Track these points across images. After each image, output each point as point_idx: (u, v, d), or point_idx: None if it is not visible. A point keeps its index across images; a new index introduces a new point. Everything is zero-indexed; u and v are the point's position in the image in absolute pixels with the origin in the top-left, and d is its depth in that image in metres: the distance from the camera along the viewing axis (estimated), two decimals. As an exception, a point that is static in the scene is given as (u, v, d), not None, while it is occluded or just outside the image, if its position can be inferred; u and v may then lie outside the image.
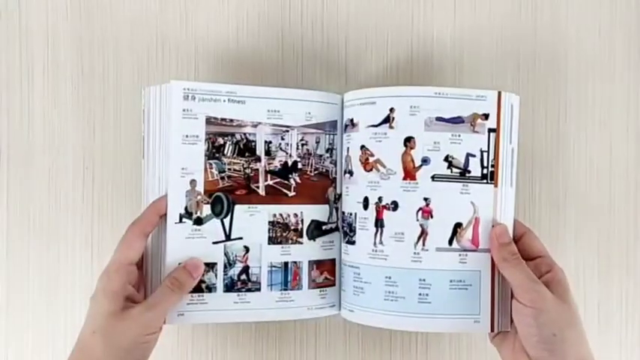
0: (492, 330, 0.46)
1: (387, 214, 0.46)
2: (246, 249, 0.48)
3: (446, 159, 0.46)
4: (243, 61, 0.56)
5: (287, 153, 0.49)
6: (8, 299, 0.55)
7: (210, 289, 0.47)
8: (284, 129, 0.49)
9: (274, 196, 0.49)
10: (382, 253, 0.46)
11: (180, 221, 0.46)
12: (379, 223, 0.47)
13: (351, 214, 0.48)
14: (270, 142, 0.48)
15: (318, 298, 0.49)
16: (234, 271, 0.48)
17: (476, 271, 0.46)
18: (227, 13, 0.56)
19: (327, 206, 0.50)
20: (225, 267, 0.47)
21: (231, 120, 0.47)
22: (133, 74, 0.56)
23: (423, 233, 0.46)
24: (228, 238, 0.48)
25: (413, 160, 0.46)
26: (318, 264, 0.50)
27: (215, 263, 0.47)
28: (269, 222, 0.48)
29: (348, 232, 0.49)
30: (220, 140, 0.47)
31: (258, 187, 0.48)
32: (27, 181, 0.55)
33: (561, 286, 0.44)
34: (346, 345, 0.56)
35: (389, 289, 0.46)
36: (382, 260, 0.46)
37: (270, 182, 0.49)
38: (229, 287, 0.47)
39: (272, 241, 0.49)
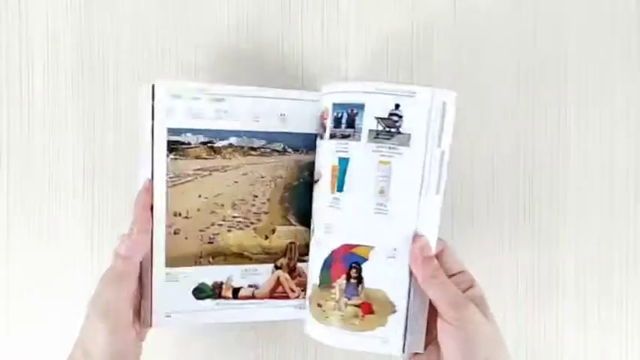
0: (403, 351, 0.42)
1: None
2: None
3: None
4: (243, 61, 0.56)
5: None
6: (8, 299, 0.55)
7: None
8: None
9: None
10: None
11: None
12: None
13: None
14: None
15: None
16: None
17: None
18: (227, 13, 0.56)
19: None
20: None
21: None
22: (133, 74, 0.55)
23: None
24: None
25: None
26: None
27: None
28: None
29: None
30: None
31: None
32: (27, 181, 0.55)
33: (484, 304, 0.41)
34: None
35: None
36: None
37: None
38: None
39: None
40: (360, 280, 0.42)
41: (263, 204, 0.48)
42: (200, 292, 0.46)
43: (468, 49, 0.56)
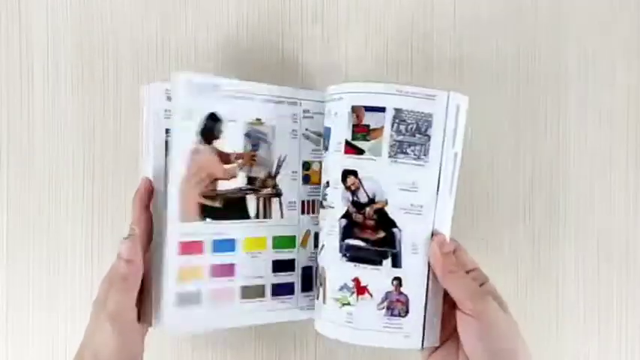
0: (423, 346, 0.43)
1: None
2: None
3: None
4: (243, 61, 0.56)
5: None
6: (8, 299, 0.55)
7: None
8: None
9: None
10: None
11: None
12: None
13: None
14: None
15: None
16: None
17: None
18: (227, 12, 0.56)
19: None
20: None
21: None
22: (133, 74, 0.56)
23: None
24: None
25: None
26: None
27: None
28: None
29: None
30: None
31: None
32: (27, 181, 0.55)
33: (498, 296, 0.42)
34: (346, 345, 0.56)
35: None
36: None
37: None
38: None
39: None
40: None
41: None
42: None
43: (468, 49, 0.56)
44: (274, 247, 0.48)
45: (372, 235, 0.43)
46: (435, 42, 0.56)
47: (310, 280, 0.49)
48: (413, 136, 0.42)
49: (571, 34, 0.57)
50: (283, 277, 0.48)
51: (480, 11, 0.57)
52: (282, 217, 0.48)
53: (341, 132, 0.43)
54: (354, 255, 0.43)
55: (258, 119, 0.47)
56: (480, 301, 0.41)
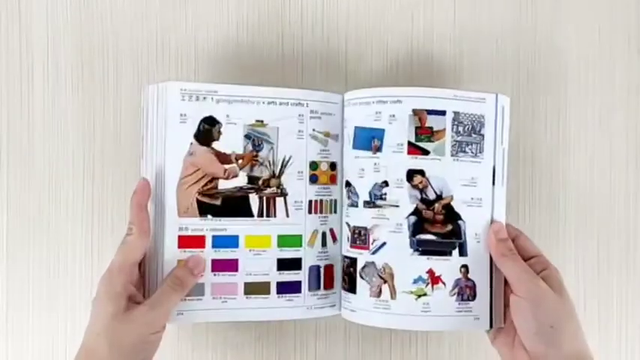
0: (491, 326, 0.46)
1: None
2: None
3: None
4: (243, 61, 0.56)
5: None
6: (8, 299, 0.55)
7: None
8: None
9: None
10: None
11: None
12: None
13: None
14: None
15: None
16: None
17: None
18: (227, 12, 0.56)
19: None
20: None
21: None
22: (133, 74, 0.56)
23: None
24: None
25: None
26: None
27: None
28: None
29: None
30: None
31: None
32: (27, 181, 0.55)
33: (557, 282, 0.45)
34: (346, 345, 0.56)
35: None
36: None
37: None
38: None
39: None
40: None
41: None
42: None
43: (468, 49, 0.57)
44: (279, 245, 0.49)
45: (442, 228, 0.47)
46: (435, 42, 0.56)
47: (319, 278, 0.50)
48: (469, 135, 0.47)
49: (571, 34, 0.57)
50: (289, 276, 0.49)
51: (480, 11, 0.57)
52: (287, 216, 0.49)
53: (401, 134, 0.46)
54: (426, 249, 0.46)
55: (260, 121, 0.48)
56: (526, 282, 0.43)
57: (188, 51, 0.56)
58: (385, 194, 0.47)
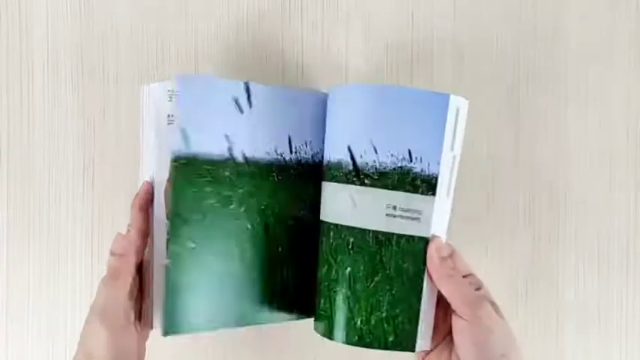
0: (414, 350, 0.43)
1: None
2: None
3: None
4: (243, 61, 0.56)
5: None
6: (8, 299, 0.55)
7: None
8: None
9: None
10: None
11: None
12: None
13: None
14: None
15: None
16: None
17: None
18: (227, 12, 0.56)
19: None
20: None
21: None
22: (133, 74, 0.56)
23: None
24: None
25: None
26: None
27: None
28: None
29: None
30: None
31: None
32: (27, 181, 0.55)
33: (494, 303, 0.42)
34: (346, 345, 0.56)
35: None
36: None
37: None
38: None
39: None
40: None
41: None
42: None
43: (468, 49, 0.57)
44: None
45: None
46: (435, 42, 0.56)
47: None
48: None
49: (571, 34, 0.57)
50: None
51: (480, 11, 0.57)
52: None
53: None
54: None
55: None
56: (476, 306, 0.40)
57: (188, 51, 0.56)
58: None
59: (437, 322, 0.44)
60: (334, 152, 0.44)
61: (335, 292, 0.43)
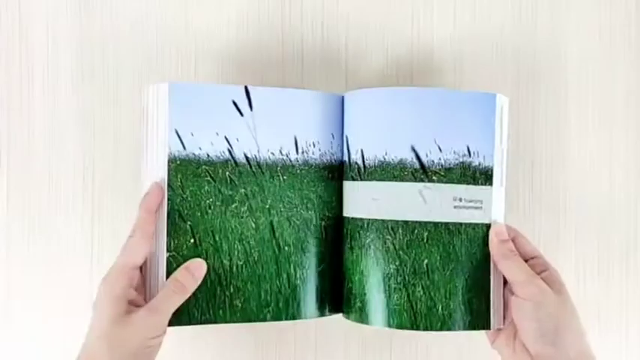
0: (490, 328, 0.46)
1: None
2: None
3: None
4: (243, 61, 0.56)
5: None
6: (8, 299, 0.55)
7: None
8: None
9: None
10: None
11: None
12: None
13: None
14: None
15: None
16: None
17: None
18: (227, 13, 0.56)
19: None
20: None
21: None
22: (133, 74, 0.56)
23: None
24: None
25: None
26: None
27: None
28: None
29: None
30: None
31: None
32: (27, 181, 0.55)
33: (558, 283, 0.45)
34: (346, 346, 0.56)
35: None
36: None
37: None
38: None
39: None
40: None
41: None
42: None
43: (468, 50, 0.57)
44: None
45: None
46: (435, 42, 0.56)
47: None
48: None
49: (571, 35, 0.57)
50: None
51: (480, 11, 0.57)
52: None
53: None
54: None
55: None
56: (528, 284, 0.44)
57: (188, 51, 0.56)
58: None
59: (506, 301, 0.46)
60: (393, 152, 0.46)
61: (413, 285, 0.46)
